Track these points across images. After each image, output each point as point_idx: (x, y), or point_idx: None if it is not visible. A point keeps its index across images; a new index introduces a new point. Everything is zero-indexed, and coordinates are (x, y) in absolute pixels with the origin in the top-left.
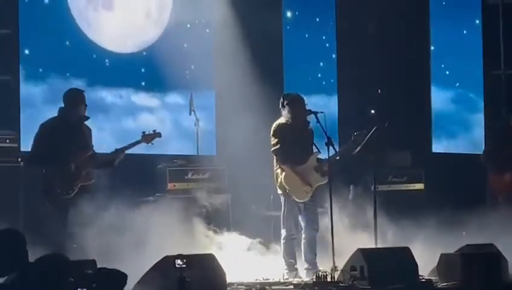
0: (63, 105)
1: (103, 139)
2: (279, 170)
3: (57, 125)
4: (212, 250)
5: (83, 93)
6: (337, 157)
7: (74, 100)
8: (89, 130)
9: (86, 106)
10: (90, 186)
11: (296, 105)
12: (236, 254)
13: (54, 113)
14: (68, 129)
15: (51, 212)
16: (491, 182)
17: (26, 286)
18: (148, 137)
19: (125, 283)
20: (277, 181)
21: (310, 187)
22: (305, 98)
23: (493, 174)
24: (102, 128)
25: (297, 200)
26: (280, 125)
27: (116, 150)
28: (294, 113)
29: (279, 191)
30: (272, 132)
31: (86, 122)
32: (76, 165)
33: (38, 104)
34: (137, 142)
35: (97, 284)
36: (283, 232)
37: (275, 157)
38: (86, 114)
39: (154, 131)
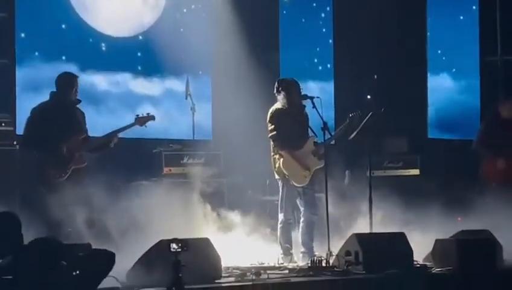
0: (55, 89)
1: (98, 123)
2: (276, 156)
3: (49, 109)
4: (207, 234)
5: (75, 78)
6: (333, 142)
7: (67, 84)
8: (82, 113)
9: (77, 90)
10: (82, 170)
11: (292, 90)
12: (231, 238)
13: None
14: (61, 112)
15: (44, 195)
16: (484, 169)
17: (21, 268)
18: (142, 120)
19: (113, 262)
20: (275, 167)
21: (309, 171)
22: (301, 83)
23: (486, 161)
24: (97, 112)
25: (296, 184)
26: (276, 111)
27: (110, 133)
28: (290, 98)
29: (277, 177)
30: (268, 118)
31: (78, 106)
32: (69, 148)
33: (34, 88)
34: (131, 125)
35: (86, 264)
36: (280, 217)
37: (272, 143)
38: (78, 98)
39: (148, 114)
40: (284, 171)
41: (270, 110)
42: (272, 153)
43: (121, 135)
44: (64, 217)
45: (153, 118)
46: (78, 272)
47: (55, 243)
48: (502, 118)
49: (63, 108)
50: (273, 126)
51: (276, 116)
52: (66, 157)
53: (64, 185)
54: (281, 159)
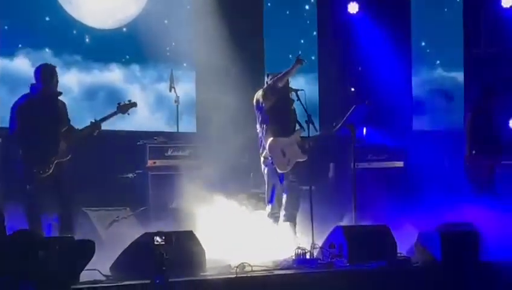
0: (34, 81)
1: (81, 114)
2: (264, 138)
3: (31, 102)
4: (192, 227)
5: (54, 69)
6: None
7: (46, 76)
8: (64, 104)
9: (58, 81)
10: (66, 163)
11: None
12: (216, 231)
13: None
14: (44, 105)
15: (27, 190)
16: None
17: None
18: (124, 107)
19: (93, 251)
20: (262, 153)
21: (289, 160)
22: None
23: None
24: (81, 103)
25: (279, 170)
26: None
27: (94, 122)
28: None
29: (263, 167)
30: (261, 96)
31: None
32: (53, 142)
33: (17, 80)
34: (114, 113)
35: (66, 254)
36: (267, 209)
37: (263, 125)
38: (58, 89)
39: (130, 101)
40: (269, 153)
41: (262, 90)
42: (262, 134)
43: (104, 127)
44: (46, 210)
45: (135, 104)
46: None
47: (35, 235)
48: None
49: (46, 100)
50: (269, 102)
51: (270, 94)
52: (49, 152)
53: (47, 179)
54: (269, 140)
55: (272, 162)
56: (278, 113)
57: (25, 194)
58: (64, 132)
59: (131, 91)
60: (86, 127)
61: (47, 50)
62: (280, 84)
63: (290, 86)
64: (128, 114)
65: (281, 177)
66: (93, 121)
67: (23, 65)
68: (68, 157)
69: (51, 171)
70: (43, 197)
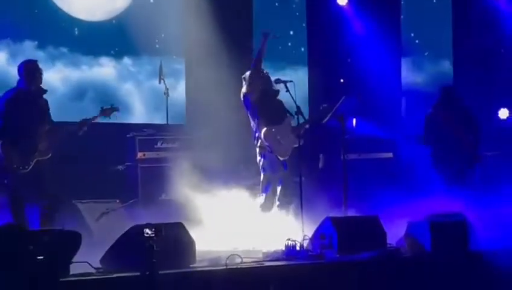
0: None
1: (69, 107)
2: (258, 129)
3: (16, 98)
4: (182, 218)
5: (37, 64)
6: (307, 126)
7: (32, 72)
8: (46, 102)
9: (42, 76)
10: (46, 161)
11: (264, 74)
12: (206, 222)
13: None
14: (27, 103)
15: (6, 184)
16: None
17: None
18: (107, 111)
19: (79, 242)
20: (257, 144)
21: (285, 147)
22: (275, 66)
23: None
24: (68, 96)
25: (280, 158)
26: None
27: (77, 123)
28: (264, 79)
29: (259, 158)
30: (248, 82)
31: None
32: (34, 139)
33: (5, 74)
34: (96, 117)
35: (52, 247)
36: (261, 199)
37: (255, 116)
38: (41, 84)
39: (112, 105)
40: (266, 142)
41: (245, 82)
42: (256, 127)
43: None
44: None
45: (117, 109)
46: (42, 257)
47: (22, 228)
48: None
49: (31, 98)
50: (255, 92)
51: (254, 78)
52: (30, 149)
53: (26, 177)
54: (263, 130)
55: (271, 151)
56: (265, 104)
57: (5, 187)
58: (45, 131)
59: (120, 83)
60: (72, 125)
61: (36, 43)
62: (259, 65)
63: (278, 77)
64: (110, 118)
65: (285, 164)
66: (83, 119)
67: (11, 58)
68: (48, 156)
69: (30, 168)
70: (24, 191)
